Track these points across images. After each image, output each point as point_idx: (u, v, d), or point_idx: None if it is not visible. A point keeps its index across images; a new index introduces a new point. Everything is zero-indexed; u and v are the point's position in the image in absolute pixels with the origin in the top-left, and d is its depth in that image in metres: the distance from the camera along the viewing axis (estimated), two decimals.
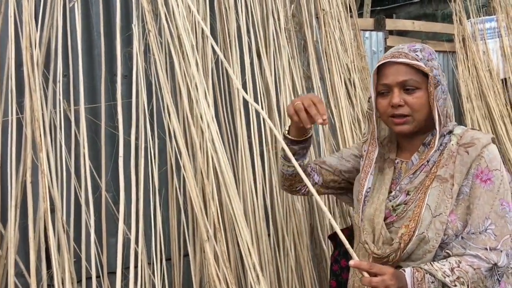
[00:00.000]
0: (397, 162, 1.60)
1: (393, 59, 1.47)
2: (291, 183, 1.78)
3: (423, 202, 1.45)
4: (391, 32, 6.27)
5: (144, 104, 1.90)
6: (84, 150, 1.82)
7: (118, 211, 1.84)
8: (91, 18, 2.40)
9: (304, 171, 1.68)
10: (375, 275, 1.29)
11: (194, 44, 2.13)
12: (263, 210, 2.16)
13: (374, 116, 1.56)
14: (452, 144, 1.48)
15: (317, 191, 1.74)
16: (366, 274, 1.30)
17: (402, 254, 1.43)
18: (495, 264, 1.38)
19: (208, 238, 1.81)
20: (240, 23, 2.30)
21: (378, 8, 10.86)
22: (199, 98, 1.86)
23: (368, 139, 1.62)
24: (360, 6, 6.97)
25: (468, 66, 5.36)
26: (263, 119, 2.26)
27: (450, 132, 1.52)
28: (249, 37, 2.32)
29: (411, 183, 1.49)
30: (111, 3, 2.40)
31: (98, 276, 1.90)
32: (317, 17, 2.62)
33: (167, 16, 1.93)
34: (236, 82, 1.54)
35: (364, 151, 1.63)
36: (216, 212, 1.82)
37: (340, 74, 2.50)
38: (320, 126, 2.51)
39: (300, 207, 2.28)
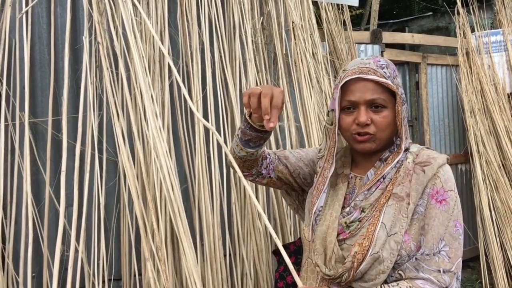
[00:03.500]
0: (351, 177, 1.53)
1: (362, 75, 1.39)
2: (239, 165, 1.60)
3: (378, 220, 1.38)
4: (402, 46, 6.17)
5: (92, 117, 1.86)
6: (26, 163, 1.78)
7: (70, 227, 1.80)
8: (57, 30, 2.38)
9: (256, 159, 1.58)
10: None
11: (152, 57, 2.10)
12: (219, 227, 2.09)
13: (335, 131, 1.45)
14: (409, 162, 1.43)
15: (267, 183, 1.65)
16: None
17: (355, 274, 1.36)
18: None
19: (150, 256, 1.75)
20: (202, 36, 2.25)
21: (391, 21, 10.76)
22: (147, 111, 1.81)
23: (324, 155, 1.53)
24: (368, 20, 6.90)
25: (472, 80, 5.22)
26: (223, 132, 2.21)
27: (407, 149, 1.47)
28: (212, 50, 2.27)
29: (366, 199, 1.43)
30: (76, 15, 2.39)
31: None
32: (288, 30, 2.56)
33: (118, 29, 1.90)
34: (189, 102, 1.47)
35: (319, 167, 1.54)
36: (158, 229, 1.75)
37: (310, 87, 2.43)
38: (288, 137, 2.44)
39: (261, 225, 2.20)
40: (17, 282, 1.85)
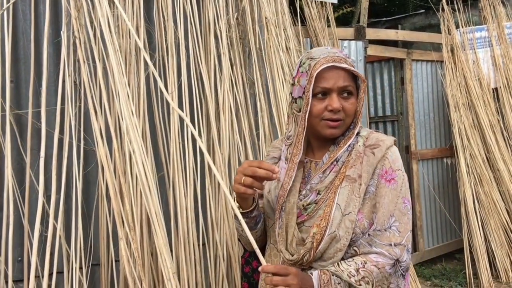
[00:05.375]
0: (306, 162, 1.62)
1: (335, 64, 1.47)
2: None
3: (333, 202, 1.48)
4: (395, 44, 6.25)
5: (69, 109, 1.98)
6: (7, 151, 1.90)
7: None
8: (40, 26, 2.50)
9: (261, 236, 1.67)
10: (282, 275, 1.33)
11: (128, 50, 2.22)
12: (193, 212, 2.20)
13: (305, 117, 1.50)
14: (359, 145, 1.53)
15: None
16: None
17: (315, 254, 1.46)
18: (397, 260, 1.44)
19: (122, 236, 1.87)
20: (178, 32, 2.37)
21: (384, 19, 10.82)
22: (121, 104, 1.92)
23: (293, 142, 1.59)
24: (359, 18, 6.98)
25: (457, 76, 5.32)
26: (198, 122, 2.33)
27: (357, 134, 1.57)
28: (187, 45, 2.39)
29: (321, 182, 1.52)
30: (59, 12, 2.50)
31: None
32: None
33: (94, 24, 2.01)
34: (165, 93, 1.58)
35: (290, 153, 1.59)
36: (131, 210, 1.87)
37: (282, 79, 2.55)
38: (261, 128, 2.55)
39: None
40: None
